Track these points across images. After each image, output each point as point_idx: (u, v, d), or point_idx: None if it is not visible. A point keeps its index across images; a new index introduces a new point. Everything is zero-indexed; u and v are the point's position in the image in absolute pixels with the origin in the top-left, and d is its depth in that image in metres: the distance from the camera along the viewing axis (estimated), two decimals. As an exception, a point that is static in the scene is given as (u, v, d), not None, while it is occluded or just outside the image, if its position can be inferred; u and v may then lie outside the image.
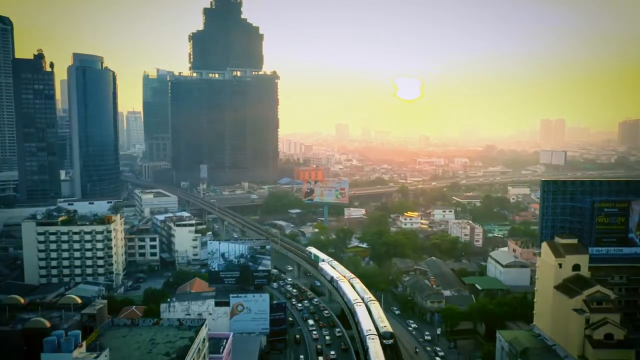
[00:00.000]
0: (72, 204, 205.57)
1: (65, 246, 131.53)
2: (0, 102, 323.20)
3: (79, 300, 76.73)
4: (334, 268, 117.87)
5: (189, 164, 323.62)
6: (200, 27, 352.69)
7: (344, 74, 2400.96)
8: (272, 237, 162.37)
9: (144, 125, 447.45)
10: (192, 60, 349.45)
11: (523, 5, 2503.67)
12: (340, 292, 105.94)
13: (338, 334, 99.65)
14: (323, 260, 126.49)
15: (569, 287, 76.31)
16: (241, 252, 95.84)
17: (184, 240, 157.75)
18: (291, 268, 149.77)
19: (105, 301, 78.44)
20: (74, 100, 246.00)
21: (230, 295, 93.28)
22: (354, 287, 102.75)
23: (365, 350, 76.99)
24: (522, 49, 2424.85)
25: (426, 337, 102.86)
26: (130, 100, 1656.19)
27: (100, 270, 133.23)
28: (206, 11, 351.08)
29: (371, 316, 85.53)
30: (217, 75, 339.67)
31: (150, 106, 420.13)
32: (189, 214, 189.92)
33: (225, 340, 76.21)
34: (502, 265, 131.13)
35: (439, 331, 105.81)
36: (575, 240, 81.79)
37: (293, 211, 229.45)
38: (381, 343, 75.34)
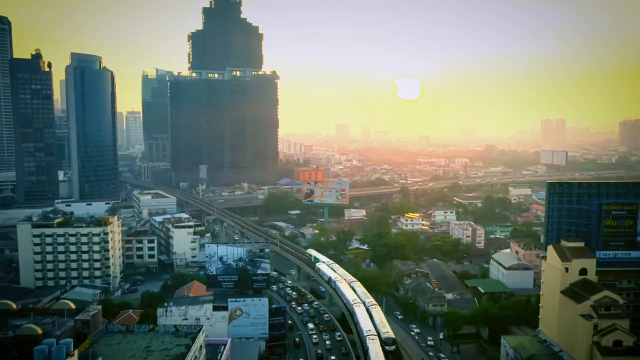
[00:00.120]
0: (69, 205, 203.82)
1: (61, 248, 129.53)
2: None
3: (73, 306, 74.59)
4: (335, 271, 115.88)
5: (188, 164, 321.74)
6: (200, 26, 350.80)
7: (344, 74, 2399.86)
8: (272, 238, 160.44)
9: (143, 126, 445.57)
10: (191, 60, 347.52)
11: (523, 5, 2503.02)
12: (338, 292, 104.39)
13: (338, 338, 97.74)
14: (323, 262, 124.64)
15: (575, 292, 74.40)
16: (240, 255, 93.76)
17: (183, 242, 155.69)
18: (294, 272, 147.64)
19: (100, 307, 76.26)
20: (72, 100, 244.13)
21: (229, 299, 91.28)
22: (354, 291, 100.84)
23: (365, 351, 75.36)
24: (522, 49, 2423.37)
25: (429, 343, 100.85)
26: (129, 100, 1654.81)
27: (97, 273, 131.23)
28: (205, 11, 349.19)
29: (373, 321, 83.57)
30: (216, 75, 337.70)
31: (149, 106, 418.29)
32: (187, 216, 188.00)
33: (223, 347, 74.20)
34: (504, 267, 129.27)
35: (441, 335, 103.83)
36: (581, 244, 79.88)
37: (293, 212, 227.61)
38: (383, 350, 73.35)
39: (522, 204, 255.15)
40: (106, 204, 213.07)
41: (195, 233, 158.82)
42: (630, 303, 79.48)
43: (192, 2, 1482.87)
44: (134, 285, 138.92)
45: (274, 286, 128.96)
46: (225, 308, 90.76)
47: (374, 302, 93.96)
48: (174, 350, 62.49)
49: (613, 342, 68.04)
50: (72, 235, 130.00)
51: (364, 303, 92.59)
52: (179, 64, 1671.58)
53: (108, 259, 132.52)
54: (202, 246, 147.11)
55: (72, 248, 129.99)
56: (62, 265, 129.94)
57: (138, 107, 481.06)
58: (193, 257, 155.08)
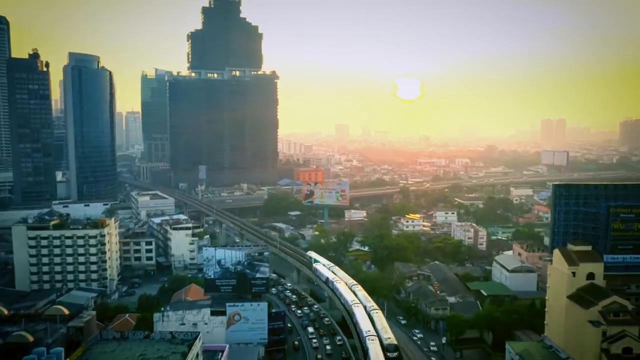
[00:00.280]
0: (67, 206, 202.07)
1: (57, 251, 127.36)
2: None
3: (66, 312, 72.79)
4: (335, 274, 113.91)
5: (187, 164, 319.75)
6: (199, 26, 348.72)
7: (344, 74, 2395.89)
8: (271, 240, 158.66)
9: (143, 126, 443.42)
10: (190, 60, 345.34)
11: (523, 5, 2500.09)
12: (336, 293, 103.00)
13: (339, 342, 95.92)
14: (321, 264, 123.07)
15: (583, 297, 72.32)
16: (238, 259, 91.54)
17: (181, 244, 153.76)
18: (294, 274, 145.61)
19: (94, 312, 74.52)
20: (69, 100, 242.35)
21: (227, 304, 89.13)
22: (355, 295, 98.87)
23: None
24: (522, 49, 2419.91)
25: (432, 348, 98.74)
26: (129, 100, 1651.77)
27: (94, 276, 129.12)
28: (205, 10, 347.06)
29: (374, 326, 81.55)
30: (216, 75, 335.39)
31: (148, 106, 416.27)
32: (186, 217, 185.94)
33: (220, 353, 72.33)
34: (507, 270, 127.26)
35: (444, 340, 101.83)
36: (589, 248, 77.72)
37: (293, 213, 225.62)
38: (385, 357, 71.39)
39: (523, 205, 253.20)
40: (104, 205, 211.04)
41: (193, 235, 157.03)
42: (640, 309, 77.46)
43: (192, 1, 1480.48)
44: (131, 288, 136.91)
45: (273, 289, 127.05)
46: (223, 313, 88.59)
47: (375, 306, 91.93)
48: (170, 358, 60.56)
49: (623, 350, 66.00)
50: (68, 237, 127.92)
51: (365, 307, 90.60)
52: (178, 64, 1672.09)
53: (105, 261, 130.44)
54: (200, 248, 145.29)
55: (68, 250, 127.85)
56: (58, 268, 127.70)
57: (138, 107, 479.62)
58: (191, 259, 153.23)
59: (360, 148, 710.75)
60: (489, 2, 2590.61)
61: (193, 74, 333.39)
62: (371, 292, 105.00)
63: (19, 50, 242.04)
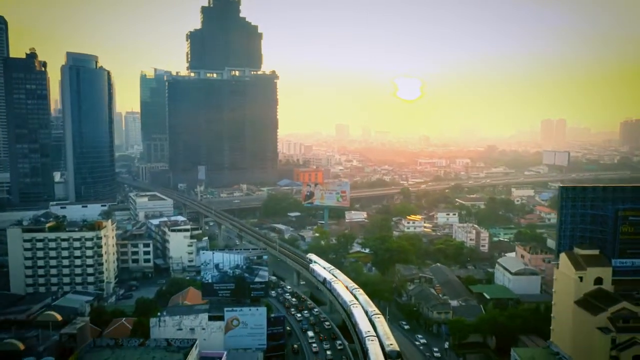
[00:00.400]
0: (64, 207, 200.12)
1: (53, 254, 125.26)
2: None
3: (59, 318, 70.77)
4: (335, 277, 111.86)
5: (186, 165, 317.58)
6: (199, 26, 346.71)
7: (344, 74, 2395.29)
8: (271, 242, 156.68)
9: (142, 126, 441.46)
10: (189, 59, 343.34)
11: (523, 5, 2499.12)
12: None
13: (339, 347, 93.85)
14: (318, 265, 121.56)
15: (591, 302, 70.35)
16: (236, 262, 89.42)
17: (179, 246, 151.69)
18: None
19: (88, 319, 72.31)
20: (67, 100, 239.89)
21: (225, 308, 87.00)
22: (356, 298, 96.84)
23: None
24: (522, 49, 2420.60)
25: (435, 354, 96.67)
26: (129, 100, 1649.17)
27: (90, 279, 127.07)
28: (204, 10, 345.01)
29: (376, 331, 79.50)
30: (215, 75, 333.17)
31: (148, 106, 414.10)
32: (184, 218, 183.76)
33: (218, 360, 70.47)
34: (511, 272, 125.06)
35: (446, 345, 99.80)
36: (596, 251, 75.75)
37: (292, 214, 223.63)
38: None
39: (525, 206, 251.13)
40: (102, 206, 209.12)
41: (192, 237, 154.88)
42: (649, 314, 75.32)
43: (191, 1, 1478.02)
44: (128, 291, 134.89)
45: (272, 292, 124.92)
46: (221, 318, 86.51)
47: (376, 310, 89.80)
48: (165, 367, 58.70)
49: (633, 358, 64.13)
50: (64, 239, 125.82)
51: (366, 312, 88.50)
52: (178, 63, 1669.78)
53: (101, 264, 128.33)
54: (199, 250, 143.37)
55: (64, 253, 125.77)
56: (53, 271, 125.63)
57: (137, 108, 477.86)
58: (190, 261, 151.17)
59: (360, 148, 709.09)
60: (489, 2, 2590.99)
61: (192, 74, 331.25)
62: (372, 295, 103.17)
63: (20, 50, 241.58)
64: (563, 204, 79.95)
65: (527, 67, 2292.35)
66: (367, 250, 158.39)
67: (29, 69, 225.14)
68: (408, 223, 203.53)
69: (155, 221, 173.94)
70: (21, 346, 58.58)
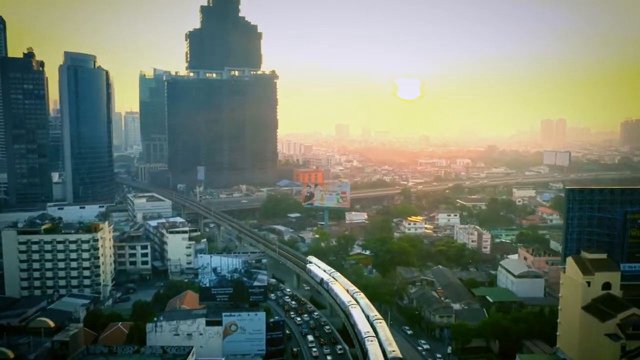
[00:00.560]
0: (62, 208, 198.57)
1: (48, 256, 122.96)
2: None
3: (52, 324, 68.85)
4: (336, 280, 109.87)
5: (186, 165, 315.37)
6: (198, 25, 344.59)
7: (344, 74, 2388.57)
8: (270, 244, 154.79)
9: (141, 126, 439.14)
10: (189, 59, 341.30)
11: (523, 5, 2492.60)
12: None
13: (340, 352, 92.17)
14: (314, 265, 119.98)
15: (599, 308, 68.37)
16: (235, 266, 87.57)
17: (177, 248, 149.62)
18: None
19: (81, 325, 70.39)
20: (65, 100, 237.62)
21: (223, 313, 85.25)
22: (357, 302, 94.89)
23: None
24: (522, 49, 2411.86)
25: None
26: (129, 100, 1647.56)
27: (87, 282, 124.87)
28: (203, 9, 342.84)
29: (378, 338, 77.54)
30: (214, 75, 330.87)
31: (147, 106, 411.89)
32: (182, 220, 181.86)
33: (215, 368, 68.55)
34: (514, 275, 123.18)
35: (449, 350, 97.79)
36: (604, 256, 73.72)
37: (292, 215, 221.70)
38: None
39: (527, 206, 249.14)
40: (100, 207, 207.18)
41: (190, 238, 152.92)
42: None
43: (191, 1, 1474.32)
44: (126, 294, 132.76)
45: (272, 294, 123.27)
46: (219, 323, 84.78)
47: (378, 315, 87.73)
48: (160, 376, 56.74)
49: (643, 366, 62.11)
50: (60, 242, 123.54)
51: (367, 317, 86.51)
52: (177, 63, 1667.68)
53: (98, 266, 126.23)
54: (197, 252, 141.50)
55: (60, 256, 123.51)
56: (49, 274, 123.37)
57: (137, 108, 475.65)
58: (188, 263, 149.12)
59: (360, 148, 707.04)
60: (489, 2, 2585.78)
61: (191, 74, 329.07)
62: (373, 299, 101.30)
63: (20, 51, 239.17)
64: (570, 207, 77.89)
65: (527, 67, 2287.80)
66: (367, 252, 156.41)
67: (27, 69, 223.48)
68: (409, 224, 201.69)
69: (154, 222, 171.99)
70: (11, 354, 56.77)
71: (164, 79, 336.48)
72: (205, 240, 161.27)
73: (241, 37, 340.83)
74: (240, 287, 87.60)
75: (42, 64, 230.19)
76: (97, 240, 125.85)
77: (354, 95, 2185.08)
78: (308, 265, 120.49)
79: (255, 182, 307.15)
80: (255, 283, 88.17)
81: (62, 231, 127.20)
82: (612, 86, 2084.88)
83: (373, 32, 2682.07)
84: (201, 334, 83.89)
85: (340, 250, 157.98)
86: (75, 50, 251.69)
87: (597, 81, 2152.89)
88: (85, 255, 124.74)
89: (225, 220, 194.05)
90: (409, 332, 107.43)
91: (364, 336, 74.61)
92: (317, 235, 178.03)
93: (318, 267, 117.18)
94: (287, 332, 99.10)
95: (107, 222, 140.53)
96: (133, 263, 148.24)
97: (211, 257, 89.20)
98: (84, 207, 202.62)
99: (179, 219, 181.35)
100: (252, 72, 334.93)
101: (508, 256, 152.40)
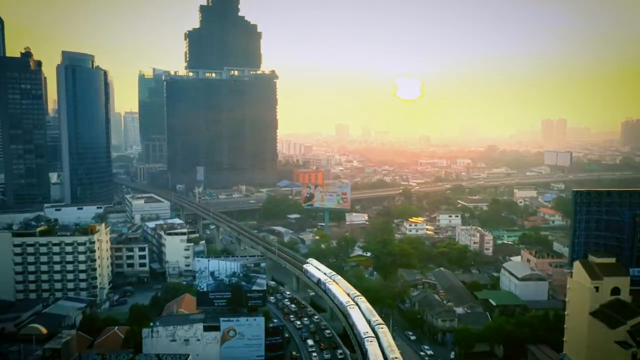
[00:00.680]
0: (59, 210, 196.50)
1: (44, 259, 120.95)
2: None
3: (44, 331, 66.94)
4: (337, 283, 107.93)
5: (185, 166, 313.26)
6: (197, 25, 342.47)
7: (344, 74, 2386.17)
8: (270, 245, 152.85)
9: (140, 126, 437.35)
10: (188, 59, 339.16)
11: (523, 5, 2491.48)
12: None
13: (340, 357, 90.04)
14: (312, 265, 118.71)
15: (608, 314, 66.35)
16: (233, 270, 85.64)
17: (175, 250, 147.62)
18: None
19: (74, 332, 68.38)
20: (63, 100, 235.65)
21: (221, 318, 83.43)
22: (359, 307, 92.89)
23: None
24: (522, 49, 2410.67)
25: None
26: (128, 100, 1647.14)
27: (83, 285, 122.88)
28: (203, 9, 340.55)
29: (380, 345, 75.56)
30: (214, 75, 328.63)
31: (146, 106, 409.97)
32: (181, 221, 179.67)
33: (213, 375, 66.56)
34: (517, 278, 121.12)
35: (452, 355, 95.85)
36: (612, 260, 71.70)
37: (292, 216, 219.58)
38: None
39: (528, 207, 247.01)
40: (98, 208, 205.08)
41: (189, 240, 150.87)
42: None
43: (191, 0, 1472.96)
44: (123, 297, 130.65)
45: (271, 297, 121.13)
46: (217, 328, 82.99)
47: (380, 320, 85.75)
48: (155, 386, 54.71)
49: (655, 374, 60.12)
50: (55, 244, 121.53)
51: (369, 322, 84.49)
52: (177, 63, 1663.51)
53: (95, 269, 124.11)
54: (196, 254, 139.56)
55: (56, 258, 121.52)
56: (44, 277, 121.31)
57: (136, 108, 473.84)
58: (186, 265, 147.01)
59: (360, 148, 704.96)
60: (489, 2, 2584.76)
61: (191, 74, 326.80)
62: (374, 302, 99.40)
63: (18, 50, 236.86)
64: (577, 209, 75.84)
65: (527, 67, 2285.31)
66: (368, 254, 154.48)
67: (24, 69, 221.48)
68: (410, 225, 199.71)
69: (152, 224, 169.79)
70: (1, 363, 54.83)
71: (163, 78, 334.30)
72: (204, 242, 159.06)
73: (241, 37, 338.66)
74: (239, 292, 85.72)
75: (39, 63, 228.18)
76: (94, 242, 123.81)
77: (354, 95, 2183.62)
78: (305, 266, 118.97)
79: (254, 183, 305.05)
80: (254, 287, 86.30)
81: (58, 233, 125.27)
82: (613, 86, 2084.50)
83: (373, 32, 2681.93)
84: (198, 340, 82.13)
85: (341, 252, 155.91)
86: (74, 50, 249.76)
87: (597, 81, 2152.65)
88: (82, 257, 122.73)
89: (225, 222, 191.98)
90: (412, 337, 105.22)
91: (364, 337, 72.44)
92: (317, 237, 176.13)
93: (318, 270, 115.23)
94: (287, 336, 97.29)
95: (104, 224, 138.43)
96: (131, 265, 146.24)
97: (209, 260, 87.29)
98: (81, 208, 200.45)
99: (177, 221, 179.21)
100: (251, 72, 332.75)
101: (511, 258, 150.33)
